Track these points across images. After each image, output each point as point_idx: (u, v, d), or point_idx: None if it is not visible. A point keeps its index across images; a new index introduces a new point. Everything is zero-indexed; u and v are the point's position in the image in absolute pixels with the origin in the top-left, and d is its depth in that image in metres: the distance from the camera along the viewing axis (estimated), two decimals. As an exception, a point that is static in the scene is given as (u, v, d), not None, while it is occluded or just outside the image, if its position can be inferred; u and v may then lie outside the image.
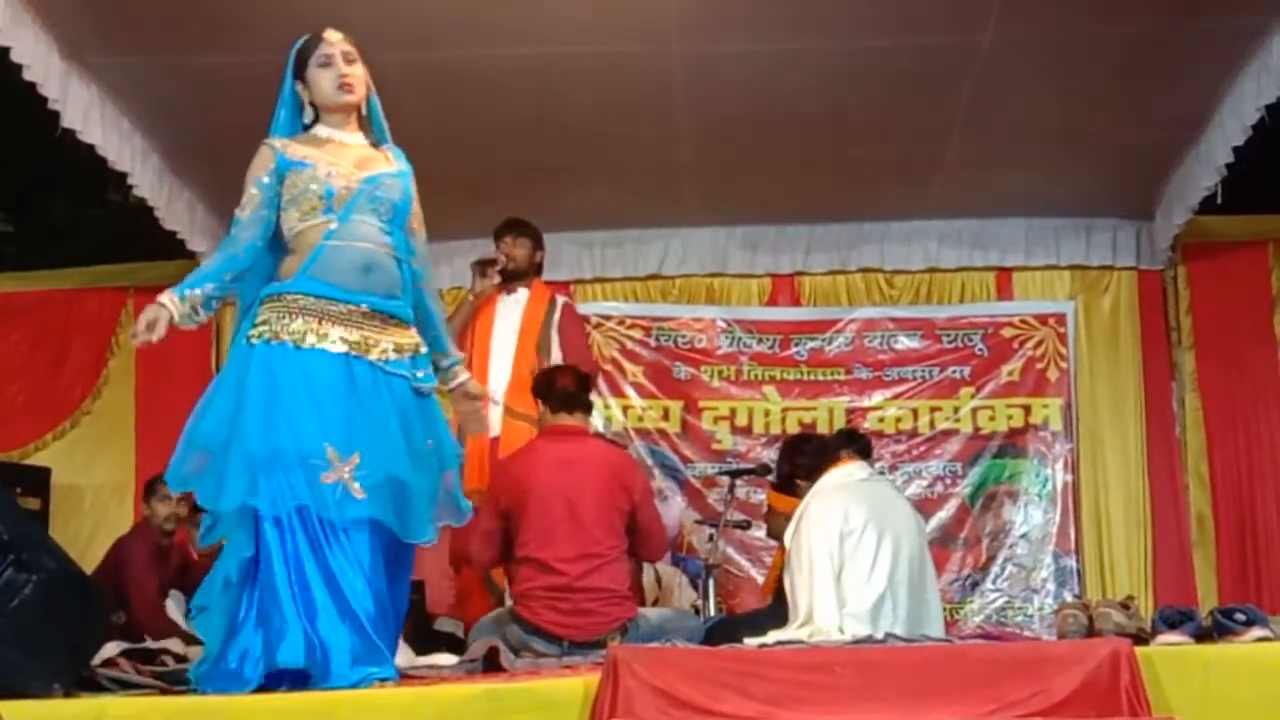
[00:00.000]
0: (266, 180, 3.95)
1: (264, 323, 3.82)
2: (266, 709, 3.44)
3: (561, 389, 5.47)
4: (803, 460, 5.53)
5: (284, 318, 3.81)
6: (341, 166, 3.98)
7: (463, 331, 6.09)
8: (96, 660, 3.96)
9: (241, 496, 3.67)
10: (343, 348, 3.82)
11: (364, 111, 4.16)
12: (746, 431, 7.81)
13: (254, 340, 3.82)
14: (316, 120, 4.12)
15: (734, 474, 6.81)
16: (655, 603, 6.24)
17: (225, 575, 3.72)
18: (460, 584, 6.15)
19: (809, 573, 4.92)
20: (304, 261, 3.88)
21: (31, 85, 5.48)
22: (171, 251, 7.54)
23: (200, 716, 3.42)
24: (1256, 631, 4.11)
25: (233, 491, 3.68)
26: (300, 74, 4.09)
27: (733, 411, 7.83)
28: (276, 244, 4.01)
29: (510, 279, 6.12)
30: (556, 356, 6.06)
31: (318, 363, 3.78)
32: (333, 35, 4.11)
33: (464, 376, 4.21)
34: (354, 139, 4.12)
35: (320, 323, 3.82)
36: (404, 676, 4.25)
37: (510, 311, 6.14)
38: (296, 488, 3.67)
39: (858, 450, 5.61)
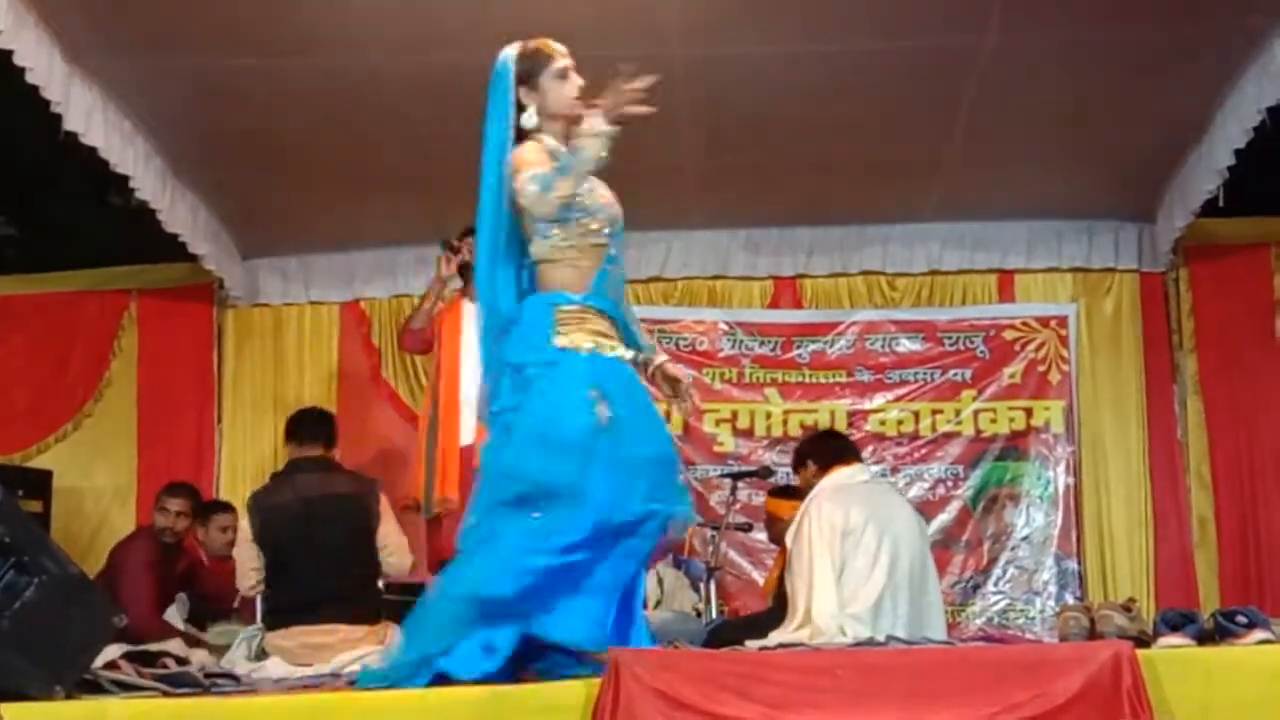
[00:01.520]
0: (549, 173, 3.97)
1: (568, 332, 3.93)
2: (267, 710, 3.44)
3: None
4: (825, 451, 5.53)
5: (583, 328, 3.94)
6: (602, 190, 4.12)
7: (428, 325, 6.12)
8: (98, 663, 3.96)
9: (642, 501, 3.80)
10: (627, 355, 4.02)
11: None
12: (748, 434, 7.81)
13: (570, 348, 3.91)
14: (537, 129, 4.13)
15: (736, 476, 6.81)
16: (657, 605, 6.25)
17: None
18: None
19: (809, 571, 4.94)
20: (592, 279, 4.00)
21: (34, 88, 5.48)
22: (174, 254, 7.55)
23: (199, 718, 3.42)
24: (1258, 634, 4.11)
25: (637, 497, 3.80)
26: (527, 81, 4.15)
27: (734, 414, 7.83)
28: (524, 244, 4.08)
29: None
30: None
31: (629, 371, 4.01)
32: (561, 48, 4.21)
33: (659, 359, 4.28)
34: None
35: (608, 336, 3.99)
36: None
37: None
38: (674, 493, 3.92)
39: (855, 455, 5.64)
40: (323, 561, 5.07)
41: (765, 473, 6.99)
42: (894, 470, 7.66)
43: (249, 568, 5.23)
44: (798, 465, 5.77)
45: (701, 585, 6.35)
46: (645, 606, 5.80)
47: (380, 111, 6.26)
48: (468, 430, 5.94)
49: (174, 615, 6.51)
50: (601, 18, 5.62)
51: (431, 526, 6.00)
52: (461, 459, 5.90)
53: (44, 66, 5.45)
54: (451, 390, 6.03)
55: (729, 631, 5.34)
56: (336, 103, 6.18)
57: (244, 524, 5.27)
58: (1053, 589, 7.53)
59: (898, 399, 7.81)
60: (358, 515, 5.16)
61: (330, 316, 8.00)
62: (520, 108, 4.11)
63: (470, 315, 6.11)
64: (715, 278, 7.94)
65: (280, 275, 8.00)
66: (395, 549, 5.23)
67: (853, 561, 4.94)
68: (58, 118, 5.68)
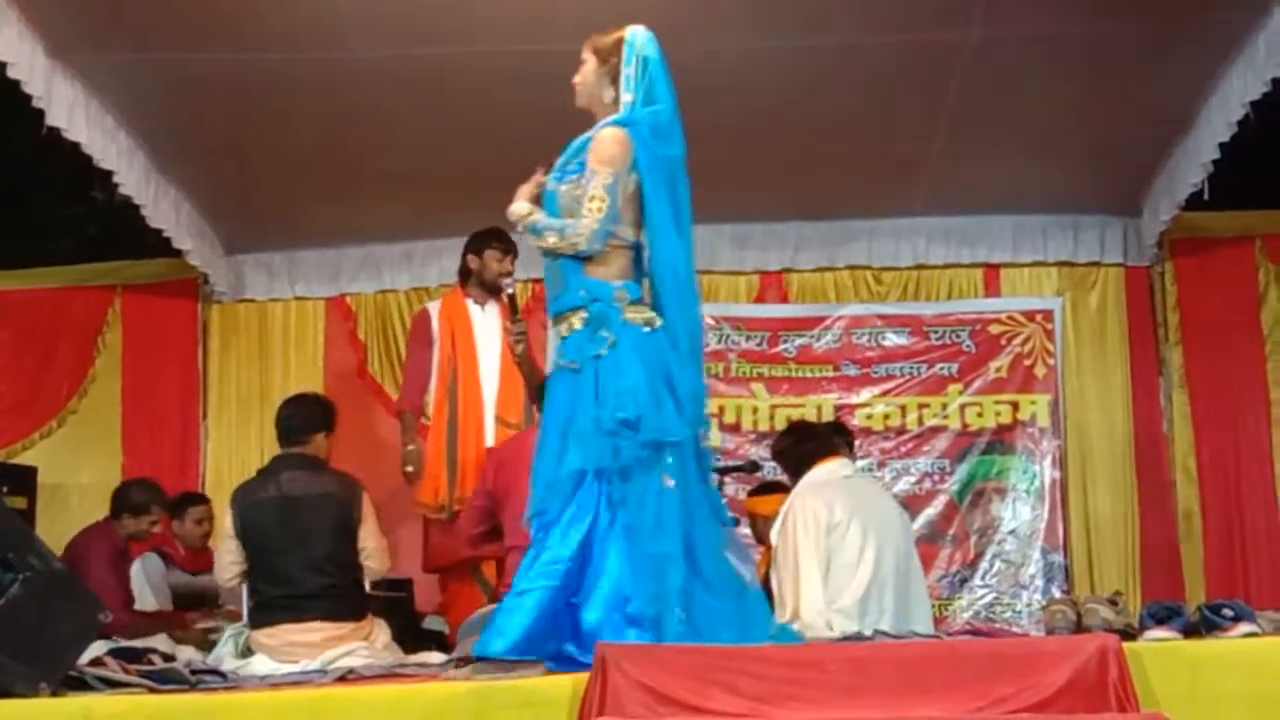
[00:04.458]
0: None
1: None
2: (253, 706, 3.44)
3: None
4: (809, 445, 5.49)
5: None
6: None
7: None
8: (83, 659, 3.95)
9: None
10: None
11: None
12: (735, 429, 7.80)
13: None
14: None
15: (723, 471, 6.80)
16: (645, 601, 6.24)
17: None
18: (449, 585, 6.15)
19: (795, 567, 4.93)
20: None
21: (15, 83, 5.46)
22: (157, 250, 7.53)
23: (185, 714, 3.41)
24: (1244, 627, 4.12)
25: None
26: None
27: (721, 409, 7.81)
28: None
29: (493, 291, 6.14)
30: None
31: None
32: None
33: None
34: None
35: None
36: (393, 674, 4.26)
37: (488, 324, 6.18)
38: None
39: (846, 444, 5.61)
40: (305, 560, 5.06)
41: (752, 467, 7.00)
42: (881, 464, 7.66)
43: (228, 561, 5.22)
44: (778, 462, 5.72)
45: (688, 580, 6.34)
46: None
47: (365, 106, 6.24)
48: (490, 432, 6.04)
49: (139, 579, 6.48)
50: (587, 14, 5.56)
51: (440, 526, 6.03)
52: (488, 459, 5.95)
53: (25, 62, 5.42)
54: (472, 393, 6.07)
55: (716, 626, 5.33)
56: (320, 98, 6.16)
57: (226, 519, 5.27)
58: (1039, 582, 7.54)
59: (884, 393, 7.81)
60: (340, 515, 5.15)
61: (316, 312, 7.98)
62: None
63: (481, 323, 6.15)
64: (701, 272, 7.85)
65: (265, 271, 7.97)
66: (373, 551, 5.23)
67: (838, 557, 4.93)
68: (40, 113, 5.66)
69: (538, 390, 6.15)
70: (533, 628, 3.74)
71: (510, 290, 6.04)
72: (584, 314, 4.04)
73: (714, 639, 3.79)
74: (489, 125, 6.44)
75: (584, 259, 4.04)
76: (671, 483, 3.92)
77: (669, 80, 4.20)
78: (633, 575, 3.82)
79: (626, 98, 4.16)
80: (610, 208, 4.00)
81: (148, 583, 6.54)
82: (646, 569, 3.83)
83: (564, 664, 3.73)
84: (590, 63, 4.26)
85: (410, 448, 6.19)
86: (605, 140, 4.08)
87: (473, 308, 6.20)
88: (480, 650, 3.74)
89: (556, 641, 3.79)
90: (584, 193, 4.04)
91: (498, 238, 6.17)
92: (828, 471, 5.27)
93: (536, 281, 7.73)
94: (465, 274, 6.28)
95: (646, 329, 4.03)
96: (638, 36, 4.23)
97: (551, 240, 4.06)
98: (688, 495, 3.97)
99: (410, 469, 6.15)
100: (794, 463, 5.42)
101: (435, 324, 6.25)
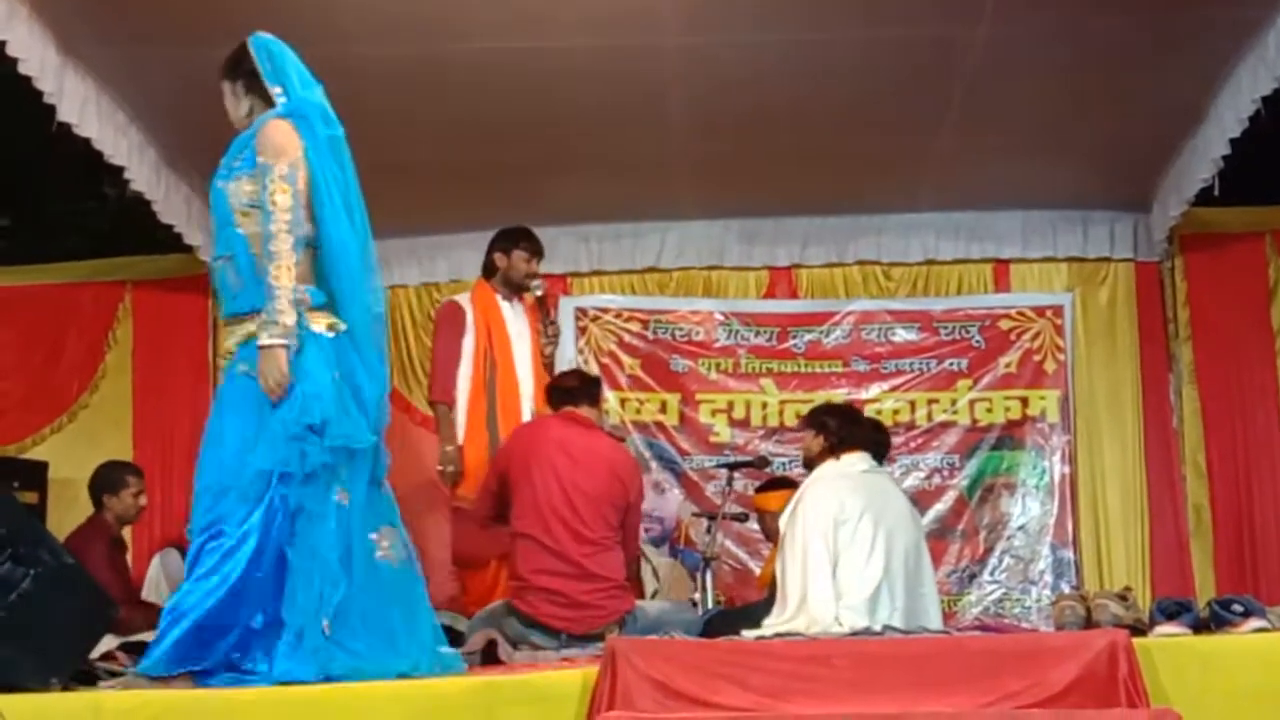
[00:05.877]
0: None
1: None
2: (262, 701, 3.44)
3: (563, 386, 5.59)
4: (844, 435, 5.42)
5: None
6: None
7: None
8: (94, 654, 3.96)
9: None
10: None
11: None
12: (744, 424, 7.81)
13: None
14: None
15: (732, 467, 6.80)
16: (653, 595, 6.25)
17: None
18: (469, 578, 6.11)
19: (802, 559, 4.93)
20: None
21: (27, 79, 5.46)
22: (168, 245, 7.53)
23: (195, 711, 3.42)
24: (1254, 622, 4.12)
25: None
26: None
27: (730, 404, 7.83)
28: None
29: (518, 290, 6.19)
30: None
31: None
32: None
33: None
34: None
35: None
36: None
37: (519, 323, 6.24)
38: None
39: (881, 444, 5.55)
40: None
41: (761, 463, 7.00)
42: (890, 460, 7.61)
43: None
44: (816, 428, 5.59)
45: (698, 575, 6.35)
46: (641, 596, 5.84)
47: (368, 103, 6.19)
48: None
49: (156, 571, 6.49)
50: (595, 8, 5.61)
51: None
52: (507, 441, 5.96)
53: (37, 58, 5.42)
54: (510, 387, 6.09)
55: (725, 621, 5.34)
56: (326, 92, 6.16)
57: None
58: (1049, 578, 7.54)
59: (893, 389, 7.81)
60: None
61: (324, 307, 7.97)
62: None
63: (512, 321, 6.18)
64: (710, 268, 7.94)
65: (273, 267, 7.97)
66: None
67: (848, 552, 4.93)
68: (51, 108, 5.66)
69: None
70: (183, 641, 3.65)
71: (540, 292, 6.11)
72: (264, 318, 3.82)
73: (372, 645, 3.76)
74: (493, 121, 6.45)
75: (268, 261, 3.84)
76: (345, 498, 3.82)
77: (305, 67, 4.18)
78: (298, 586, 3.73)
79: (275, 90, 4.12)
80: (293, 195, 3.91)
81: (165, 578, 6.55)
82: (305, 580, 3.74)
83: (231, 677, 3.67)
84: (225, 88, 4.23)
85: (449, 448, 6.07)
86: (270, 131, 3.99)
87: (502, 303, 6.22)
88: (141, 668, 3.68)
89: (216, 654, 3.70)
90: (263, 189, 3.94)
91: (526, 238, 6.22)
92: (846, 464, 5.26)
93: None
94: (490, 270, 6.28)
95: (330, 334, 3.89)
96: (256, 38, 4.20)
97: (273, 274, 3.82)
98: (354, 509, 3.86)
99: (451, 468, 6.03)
100: (831, 440, 5.38)
101: (470, 315, 6.22)
